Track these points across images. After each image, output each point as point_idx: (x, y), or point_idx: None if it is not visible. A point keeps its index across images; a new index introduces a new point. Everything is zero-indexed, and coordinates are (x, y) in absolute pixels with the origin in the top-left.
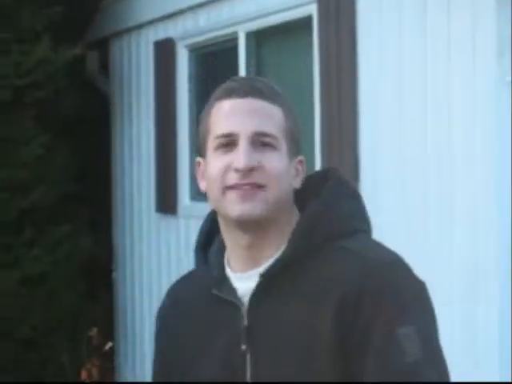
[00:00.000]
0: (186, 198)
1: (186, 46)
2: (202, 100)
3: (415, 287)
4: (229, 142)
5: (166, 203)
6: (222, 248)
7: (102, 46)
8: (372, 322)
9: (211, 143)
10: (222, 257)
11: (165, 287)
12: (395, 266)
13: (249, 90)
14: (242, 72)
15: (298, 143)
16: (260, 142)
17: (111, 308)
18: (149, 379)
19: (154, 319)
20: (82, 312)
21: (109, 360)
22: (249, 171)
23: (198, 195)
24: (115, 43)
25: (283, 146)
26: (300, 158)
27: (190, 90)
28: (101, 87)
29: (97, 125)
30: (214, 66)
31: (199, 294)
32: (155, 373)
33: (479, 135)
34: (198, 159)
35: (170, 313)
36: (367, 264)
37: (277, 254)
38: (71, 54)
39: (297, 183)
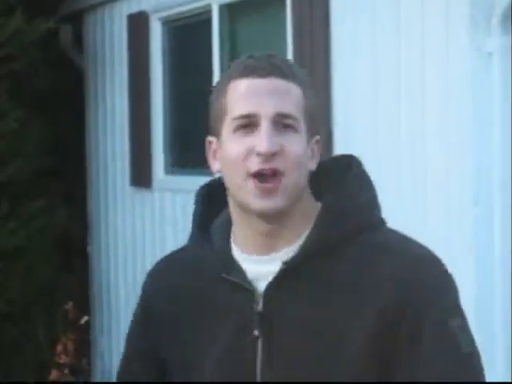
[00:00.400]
0: (161, 172)
1: (160, 19)
2: (176, 73)
3: (452, 280)
4: (248, 124)
5: (141, 177)
6: (227, 227)
7: (76, 19)
8: (424, 315)
9: (228, 124)
10: (228, 236)
11: (140, 260)
12: (432, 260)
13: (269, 68)
14: (216, 45)
15: (316, 122)
16: (282, 123)
17: (87, 282)
18: None
19: (129, 292)
20: (58, 286)
21: (85, 334)
22: (271, 156)
23: (173, 169)
24: (89, 16)
25: (303, 127)
26: (317, 137)
27: (164, 63)
28: (75, 61)
29: (71, 98)
30: (188, 39)
31: (198, 275)
32: (127, 358)
33: (453, 113)
34: (210, 138)
35: (157, 295)
36: (406, 260)
37: (299, 241)
38: (45, 27)
39: (312, 165)
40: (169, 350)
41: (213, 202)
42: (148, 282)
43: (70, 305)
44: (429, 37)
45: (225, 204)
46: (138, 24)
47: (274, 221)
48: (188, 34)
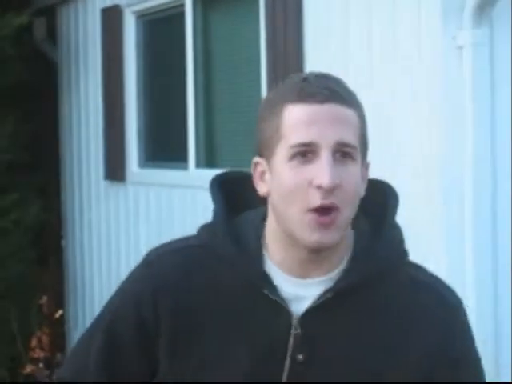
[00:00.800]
0: (135, 165)
1: (134, 13)
2: (150, 66)
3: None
4: (307, 152)
5: (115, 170)
6: (258, 234)
7: (50, 13)
8: (459, 363)
9: (284, 151)
10: (260, 245)
11: (114, 254)
12: (463, 305)
13: (327, 94)
14: (189, 39)
15: (367, 147)
16: (340, 151)
17: (62, 276)
18: None
19: (103, 285)
20: (33, 280)
21: (60, 327)
22: (332, 189)
23: (147, 162)
24: (62, 10)
25: (359, 154)
26: (367, 162)
27: (138, 57)
28: (48, 54)
29: (45, 92)
30: (162, 33)
31: (219, 279)
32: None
33: (424, 106)
34: (257, 159)
35: (164, 295)
36: (448, 307)
37: (338, 268)
38: (18, 21)
39: (362, 191)
40: (171, 362)
41: (232, 197)
42: (152, 278)
43: (44, 299)
44: (400, 30)
45: (245, 202)
46: (112, 17)
47: (322, 252)
48: (162, 28)
